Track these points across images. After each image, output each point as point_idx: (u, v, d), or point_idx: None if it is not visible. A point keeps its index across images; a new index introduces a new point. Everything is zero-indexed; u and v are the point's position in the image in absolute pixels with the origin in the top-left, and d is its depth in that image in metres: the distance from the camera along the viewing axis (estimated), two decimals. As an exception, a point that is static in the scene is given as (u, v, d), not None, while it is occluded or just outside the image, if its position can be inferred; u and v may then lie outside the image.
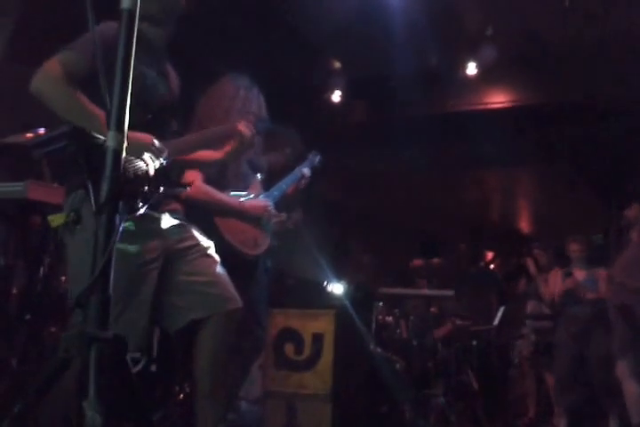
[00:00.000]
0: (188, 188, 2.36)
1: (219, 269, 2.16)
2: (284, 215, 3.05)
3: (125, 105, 1.25)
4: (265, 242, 2.91)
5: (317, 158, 3.33)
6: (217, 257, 2.18)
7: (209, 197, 2.74)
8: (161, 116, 2.06)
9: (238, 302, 2.15)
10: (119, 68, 1.25)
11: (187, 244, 2.12)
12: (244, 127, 2.29)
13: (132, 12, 1.26)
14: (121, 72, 1.25)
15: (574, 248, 4.92)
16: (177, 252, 2.09)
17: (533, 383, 5.50)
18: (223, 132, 2.31)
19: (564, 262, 5.13)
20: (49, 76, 1.87)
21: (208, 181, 2.77)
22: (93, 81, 1.83)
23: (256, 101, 2.87)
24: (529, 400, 5.55)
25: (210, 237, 2.23)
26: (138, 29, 1.64)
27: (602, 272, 4.78)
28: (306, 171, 3.22)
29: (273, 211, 2.94)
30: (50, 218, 1.86)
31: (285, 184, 3.16)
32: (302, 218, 3.69)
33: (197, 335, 2.11)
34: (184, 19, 2.17)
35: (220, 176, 2.81)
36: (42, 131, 2.63)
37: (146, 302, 1.99)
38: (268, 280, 3.07)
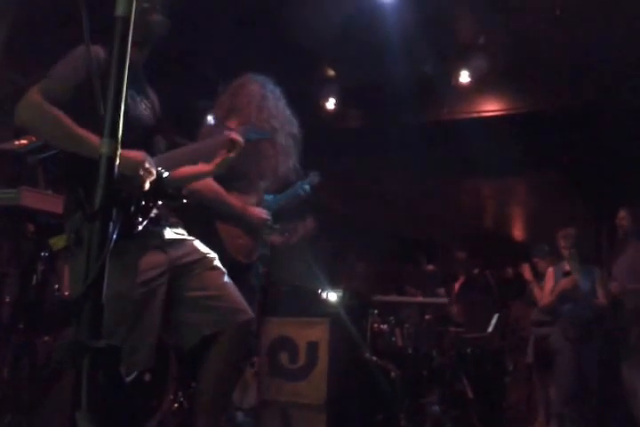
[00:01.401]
0: (185, 200, 2.34)
1: (226, 280, 2.14)
2: (277, 227, 3.11)
3: (119, 112, 1.24)
4: (257, 251, 2.91)
5: (317, 179, 3.47)
6: (223, 269, 2.16)
7: (216, 196, 2.74)
8: (147, 136, 2.06)
9: (249, 312, 2.13)
10: (114, 75, 1.24)
11: (191, 258, 2.10)
12: (235, 136, 2.27)
13: (126, 19, 1.26)
14: (115, 79, 1.24)
15: (562, 245, 4.76)
16: (182, 267, 2.07)
17: (541, 391, 5.41)
18: (214, 145, 2.29)
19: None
20: (31, 107, 1.85)
21: (221, 178, 2.76)
22: (77, 105, 1.84)
23: (282, 103, 2.90)
24: (538, 409, 5.45)
25: (208, 238, 2.22)
26: None
27: (598, 272, 4.62)
28: (306, 188, 3.36)
29: (269, 224, 2.97)
30: (51, 241, 1.86)
31: (284, 197, 3.26)
32: (315, 226, 3.77)
33: (208, 350, 2.09)
34: (180, 26, 2.17)
35: (242, 176, 2.82)
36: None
37: (154, 320, 1.97)
38: (259, 286, 3.07)
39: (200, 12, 4.22)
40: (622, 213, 4.48)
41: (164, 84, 2.32)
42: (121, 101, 1.24)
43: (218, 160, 2.24)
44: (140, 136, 1.98)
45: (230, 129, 2.41)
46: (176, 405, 3.22)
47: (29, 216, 2.76)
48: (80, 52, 1.91)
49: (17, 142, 2.68)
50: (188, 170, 2.24)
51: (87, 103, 1.78)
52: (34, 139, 2.62)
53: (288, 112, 2.89)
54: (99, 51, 1.91)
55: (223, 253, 2.54)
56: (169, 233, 2.08)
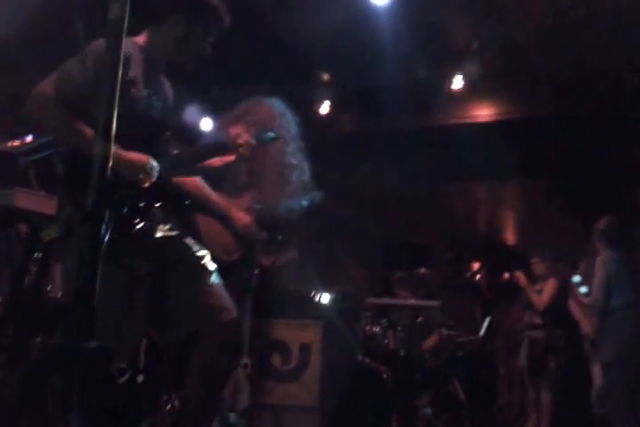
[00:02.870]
0: (186, 202, 2.39)
1: (213, 279, 2.15)
2: (264, 235, 3.07)
3: (113, 113, 1.25)
4: (237, 251, 2.90)
5: (318, 198, 3.31)
6: (211, 266, 2.18)
7: (200, 191, 2.75)
8: (158, 134, 2.08)
9: (233, 312, 2.14)
10: (107, 77, 1.25)
11: (180, 256, 2.12)
12: (245, 137, 2.31)
13: (119, 22, 1.27)
14: (109, 81, 1.26)
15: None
16: (171, 264, 2.09)
17: (533, 394, 5.39)
18: (221, 145, 2.33)
19: (560, 271, 5.12)
20: (42, 99, 1.87)
21: (210, 177, 2.79)
22: (90, 101, 1.85)
23: (293, 128, 2.94)
24: (530, 412, 5.43)
25: (187, 229, 2.24)
26: (147, 53, 1.64)
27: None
28: (303, 204, 3.22)
29: (254, 228, 2.95)
30: (42, 233, 1.87)
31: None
32: (296, 258, 3.70)
33: (192, 347, 2.10)
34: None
35: (232, 179, 2.85)
36: (29, 138, 2.63)
37: (139, 316, 1.99)
38: (247, 289, 3.06)
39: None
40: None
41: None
42: (115, 103, 1.25)
43: (229, 159, 2.30)
44: (150, 134, 2.00)
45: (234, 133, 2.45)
46: (169, 406, 3.22)
47: (23, 217, 2.77)
48: (97, 48, 1.86)
49: (10, 143, 2.69)
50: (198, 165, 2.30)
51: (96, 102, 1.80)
52: (27, 140, 2.64)
53: (300, 141, 2.94)
54: (126, 44, 1.92)
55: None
56: (160, 230, 2.10)
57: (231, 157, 2.34)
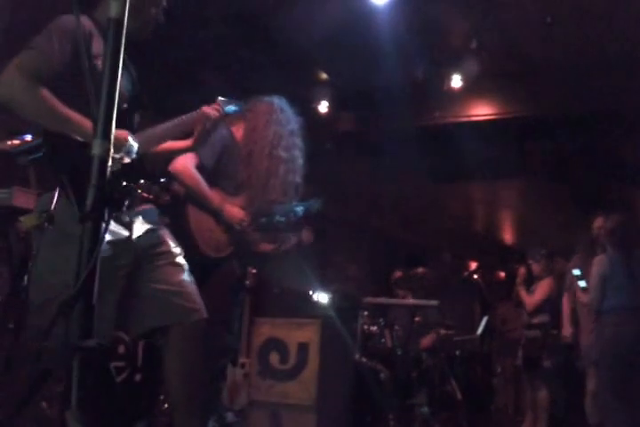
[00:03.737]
0: (163, 179, 2.39)
1: (185, 277, 2.13)
2: (257, 236, 3.07)
3: (112, 112, 1.25)
4: (227, 248, 2.89)
5: (317, 206, 3.30)
6: (185, 265, 2.16)
7: (195, 185, 2.75)
8: (127, 112, 2.05)
9: (203, 312, 2.12)
10: (106, 76, 1.25)
11: (157, 250, 2.10)
12: (208, 109, 2.36)
13: (119, 22, 1.27)
14: (108, 80, 1.25)
15: None
16: (146, 257, 2.07)
17: (530, 393, 5.39)
18: (189, 120, 2.34)
19: (558, 268, 5.13)
20: (11, 82, 1.80)
21: (208, 172, 2.79)
22: (63, 79, 1.82)
23: (293, 126, 2.97)
24: (526, 411, 5.43)
25: (178, 226, 2.23)
26: (103, 29, 1.62)
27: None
28: (299, 211, 3.20)
29: (246, 225, 2.94)
30: (22, 219, 1.85)
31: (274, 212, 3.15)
32: (311, 237, 3.66)
33: (163, 348, 2.09)
34: (174, 33, 2.19)
35: (229, 176, 2.86)
36: (29, 137, 2.62)
37: (109, 307, 1.95)
38: (238, 286, 3.05)
39: (193, 16, 4.23)
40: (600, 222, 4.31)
41: (161, 88, 2.35)
42: (114, 103, 1.25)
43: (196, 135, 2.34)
44: (121, 112, 1.98)
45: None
46: (166, 405, 3.22)
47: (21, 216, 2.76)
48: (65, 24, 1.85)
49: (9, 142, 2.68)
50: (166, 145, 2.29)
51: (72, 81, 1.77)
52: (26, 139, 2.63)
53: (297, 138, 2.95)
54: (84, 21, 1.89)
55: (190, 245, 2.55)
56: (139, 222, 2.08)
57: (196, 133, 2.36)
